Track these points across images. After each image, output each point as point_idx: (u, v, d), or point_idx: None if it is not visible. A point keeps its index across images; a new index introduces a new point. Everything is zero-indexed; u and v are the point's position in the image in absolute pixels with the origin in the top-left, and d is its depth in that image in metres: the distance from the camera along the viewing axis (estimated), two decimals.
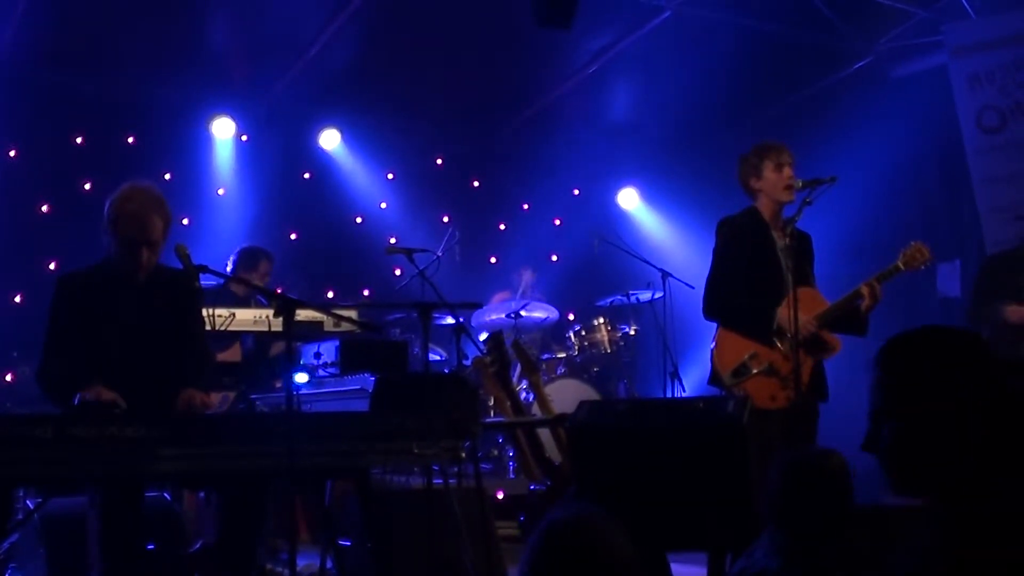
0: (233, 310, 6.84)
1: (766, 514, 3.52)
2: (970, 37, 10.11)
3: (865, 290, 5.89)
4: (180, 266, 4.89)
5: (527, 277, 11.44)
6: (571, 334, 10.69)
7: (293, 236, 11.64)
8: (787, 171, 6.12)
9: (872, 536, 3.90)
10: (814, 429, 5.95)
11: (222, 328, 6.63)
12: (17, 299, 9.92)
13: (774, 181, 6.13)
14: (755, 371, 5.89)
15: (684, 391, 9.54)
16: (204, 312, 5.98)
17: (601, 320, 10.61)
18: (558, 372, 10.27)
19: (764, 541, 3.50)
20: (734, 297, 6.09)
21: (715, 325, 6.20)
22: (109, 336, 5.06)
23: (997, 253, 8.41)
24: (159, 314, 5.21)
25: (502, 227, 12.92)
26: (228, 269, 8.66)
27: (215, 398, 7.03)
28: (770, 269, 6.07)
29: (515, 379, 8.22)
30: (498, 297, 11.21)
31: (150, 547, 5.38)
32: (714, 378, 6.11)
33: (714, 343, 6.13)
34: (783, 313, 5.88)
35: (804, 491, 3.44)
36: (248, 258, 8.78)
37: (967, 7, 10.17)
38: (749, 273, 6.07)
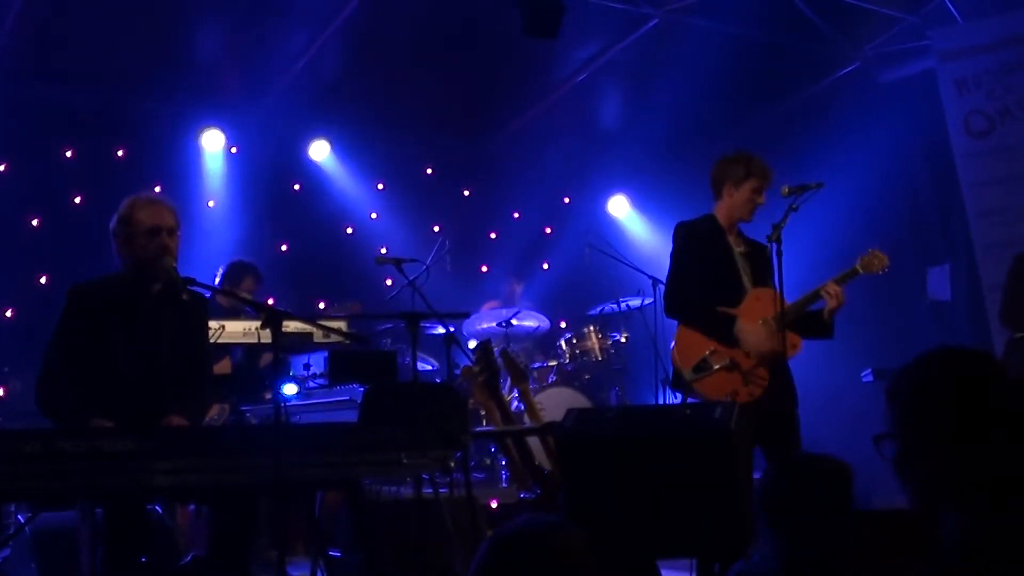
0: (223, 322, 6.84)
1: (764, 518, 3.52)
2: (957, 42, 10.15)
3: (832, 290, 5.90)
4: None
5: (516, 288, 11.46)
6: (562, 342, 10.70)
7: (284, 247, 11.65)
8: (761, 199, 6.13)
9: (868, 539, 3.91)
10: (796, 433, 5.93)
11: (212, 340, 6.64)
12: (8, 314, 9.91)
13: (745, 200, 6.13)
14: (716, 367, 5.90)
15: (676, 398, 9.53)
16: None
17: (591, 328, 10.62)
18: (549, 380, 10.26)
19: (762, 545, 3.51)
20: (693, 296, 6.09)
21: None
22: (118, 350, 5.04)
23: None
24: (169, 330, 5.20)
25: (493, 236, 12.93)
26: (216, 283, 8.65)
27: (213, 410, 7.05)
28: (726, 274, 6.09)
29: (506, 388, 8.22)
30: (488, 306, 11.21)
31: (142, 560, 5.38)
32: (676, 379, 6.12)
33: (674, 342, 6.13)
34: (743, 327, 5.91)
35: (801, 495, 3.45)
36: (233, 273, 8.78)
37: (954, 12, 10.21)
38: (706, 275, 6.09)
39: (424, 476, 5.55)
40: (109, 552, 4.62)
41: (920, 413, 2.33)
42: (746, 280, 6.07)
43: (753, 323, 5.91)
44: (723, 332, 5.94)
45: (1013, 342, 7.86)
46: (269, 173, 11.48)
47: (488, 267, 12.71)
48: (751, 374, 5.83)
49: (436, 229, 12.08)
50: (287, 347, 7.10)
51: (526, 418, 7.05)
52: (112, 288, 5.18)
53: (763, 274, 6.07)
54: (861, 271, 6.03)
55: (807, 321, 6.03)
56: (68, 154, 10.57)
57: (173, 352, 5.19)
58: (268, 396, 7.83)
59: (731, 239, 6.19)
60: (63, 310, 5.11)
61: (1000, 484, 2.24)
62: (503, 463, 9.11)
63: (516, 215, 13.03)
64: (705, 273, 6.09)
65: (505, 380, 7.81)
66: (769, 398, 5.82)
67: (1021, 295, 7.87)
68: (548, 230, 13.25)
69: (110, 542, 4.62)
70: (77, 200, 10.42)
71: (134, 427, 4.58)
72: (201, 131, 11.01)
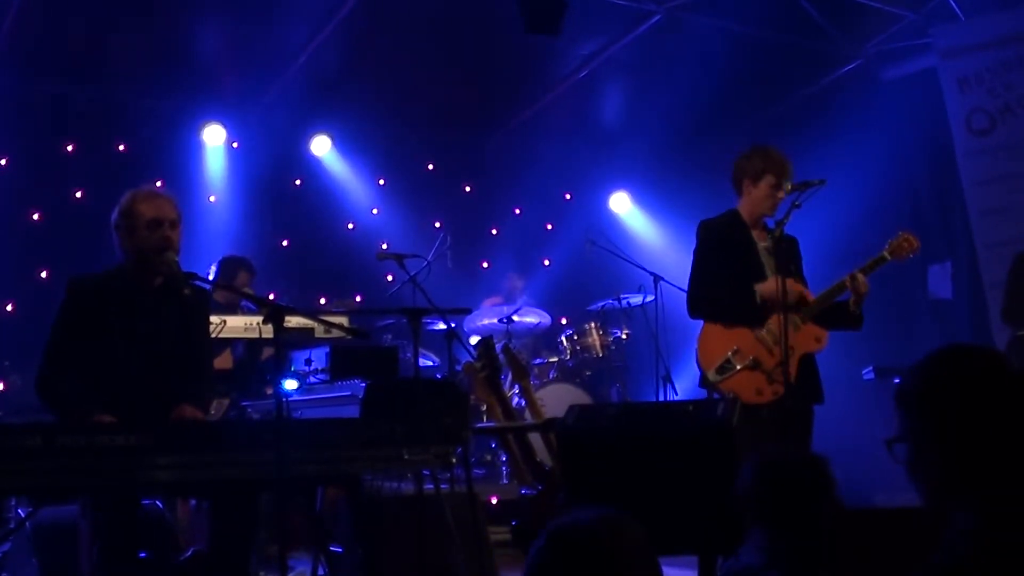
0: (224, 317, 6.84)
1: (747, 514, 3.53)
2: (959, 39, 10.14)
3: (848, 282, 5.87)
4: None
5: (516, 283, 11.46)
6: (563, 338, 10.69)
7: (285, 243, 11.65)
8: (781, 193, 6.09)
9: (864, 536, 3.91)
10: (808, 431, 5.92)
11: (213, 335, 6.63)
12: (9, 308, 9.91)
13: (765, 195, 6.10)
14: (739, 367, 5.88)
15: (676, 395, 9.53)
16: None
17: (593, 324, 10.61)
18: (550, 376, 10.26)
19: (749, 540, 3.51)
20: (715, 291, 6.08)
21: None
22: (119, 344, 5.03)
23: None
24: (171, 324, 5.19)
25: (494, 232, 12.94)
26: (210, 278, 8.64)
27: (211, 406, 7.04)
28: (751, 268, 6.06)
29: (507, 384, 8.22)
30: (489, 302, 11.22)
31: (142, 555, 5.37)
32: (703, 380, 6.11)
33: (697, 344, 6.12)
34: (763, 286, 5.90)
35: (777, 490, 3.45)
36: (227, 268, 8.77)
37: (956, 9, 10.20)
38: (730, 271, 6.06)
39: (425, 472, 5.54)
40: (104, 548, 4.61)
41: (930, 412, 2.32)
42: (770, 275, 6.03)
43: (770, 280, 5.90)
44: (749, 309, 5.93)
45: (1015, 340, 7.87)
46: (270, 168, 11.48)
47: (489, 263, 12.71)
48: (774, 373, 5.81)
49: (437, 225, 12.10)
50: (288, 342, 7.09)
51: (527, 414, 7.06)
52: (113, 281, 5.17)
53: (789, 267, 6.01)
54: (889, 258, 5.98)
55: (833, 313, 6.00)
56: (69, 148, 10.59)
57: (174, 345, 5.19)
58: (269, 391, 7.82)
59: (755, 234, 6.16)
60: (62, 302, 5.10)
61: (1011, 481, 2.23)
62: (504, 459, 9.12)
63: (517, 211, 13.03)
64: (729, 269, 6.06)
65: (506, 376, 7.82)
66: (791, 396, 5.79)
67: (1022, 293, 7.88)
68: (549, 226, 13.25)
69: (104, 538, 4.61)
70: (78, 195, 10.43)
71: (136, 421, 4.58)
72: (202, 126, 11.01)
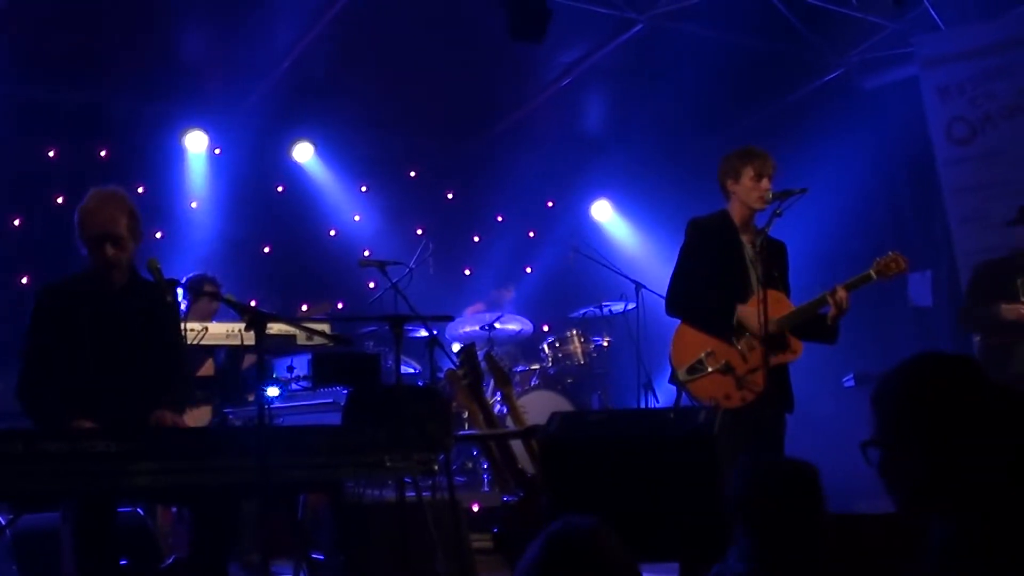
0: (205, 324, 6.82)
1: (732, 519, 3.53)
2: (940, 49, 10.19)
3: (830, 297, 5.85)
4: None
5: (504, 294, 11.47)
6: (545, 346, 10.71)
7: (267, 249, 11.63)
8: (765, 182, 6.07)
9: (845, 543, 3.92)
10: (780, 439, 5.91)
11: (195, 342, 6.61)
12: None
13: (749, 188, 6.08)
14: (710, 369, 5.88)
15: (658, 402, 9.55)
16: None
17: (574, 332, 10.63)
18: (532, 383, 10.27)
19: (735, 546, 3.52)
20: (695, 292, 6.08)
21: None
22: (87, 347, 5.02)
23: (990, 259, 8.27)
24: (135, 324, 5.17)
25: (476, 239, 12.94)
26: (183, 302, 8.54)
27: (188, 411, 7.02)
28: (735, 271, 6.03)
29: (489, 391, 8.22)
30: (472, 309, 11.22)
31: (123, 562, 5.35)
32: (673, 376, 6.11)
33: (672, 340, 6.12)
34: (744, 310, 5.89)
35: (768, 496, 3.45)
36: (194, 286, 8.64)
37: (937, 19, 10.26)
38: (713, 273, 6.04)
39: (407, 479, 5.54)
40: (80, 556, 4.60)
41: (904, 418, 2.34)
42: (754, 280, 6.01)
43: (753, 306, 5.87)
44: (723, 324, 5.93)
45: (983, 347, 7.91)
46: (252, 175, 11.45)
47: (471, 270, 12.71)
48: (745, 379, 5.81)
49: (419, 232, 12.07)
50: (270, 349, 7.08)
51: (509, 421, 7.06)
52: (80, 285, 5.16)
53: (773, 272, 5.97)
54: (875, 277, 5.89)
55: (809, 325, 5.98)
56: (51, 154, 10.54)
57: (144, 348, 5.16)
58: (251, 398, 7.80)
59: (744, 237, 6.14)
60: (32, 311, 5.10)
61: (985, 488, 2.25)
62: (485, 466, 9.12)
63: (500, 218, 13.03)
64: (713, 271, 6.06)
65: (488, 383, 7.82)
66: (760, 403, 5.79)
67: (971, 298, 7.96)
68: (531, 234, 13.26)
69: (80, 546, 4.60)
70: (59, 200, 10.37)
71: (116, 427, 4.57)
72: (184, 132, 10.97)
